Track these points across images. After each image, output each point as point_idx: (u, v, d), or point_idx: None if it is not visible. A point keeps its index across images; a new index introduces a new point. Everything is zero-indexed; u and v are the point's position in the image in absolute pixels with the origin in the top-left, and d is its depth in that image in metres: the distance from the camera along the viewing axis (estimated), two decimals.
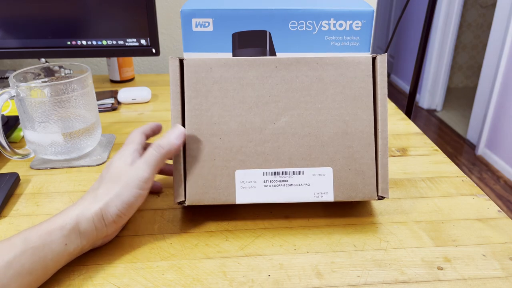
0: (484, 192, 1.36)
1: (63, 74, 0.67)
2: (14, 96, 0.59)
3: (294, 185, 0.50)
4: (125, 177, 0.45)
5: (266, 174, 0.49)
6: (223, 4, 0.53)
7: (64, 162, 0.65)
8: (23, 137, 0.75)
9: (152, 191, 0.58)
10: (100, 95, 0.93)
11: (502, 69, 2.33)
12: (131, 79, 1.08)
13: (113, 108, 0.88)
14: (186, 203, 0.49)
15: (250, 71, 0.50)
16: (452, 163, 0.66)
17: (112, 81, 1.06)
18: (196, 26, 0.52)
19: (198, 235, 0.49)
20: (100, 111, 0.87)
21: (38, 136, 0.62)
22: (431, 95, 3.25)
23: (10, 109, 0.84)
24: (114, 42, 0.86)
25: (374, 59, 0.51)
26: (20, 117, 0.62)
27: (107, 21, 0.84)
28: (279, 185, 0.49)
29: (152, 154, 0.47)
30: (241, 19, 0.52)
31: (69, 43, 0.86)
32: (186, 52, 0.53)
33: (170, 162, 0.59)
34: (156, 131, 0.55)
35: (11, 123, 0.75)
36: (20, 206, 0.55)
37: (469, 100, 3.33)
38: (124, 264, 0.45)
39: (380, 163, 0.50)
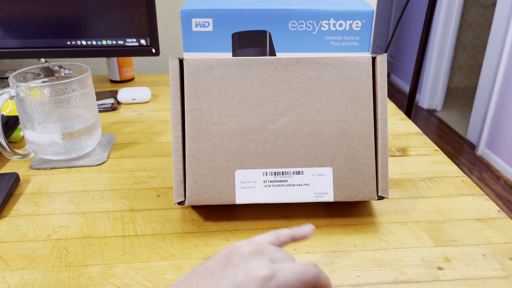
0: (484, 192, 1.36)
1: (63, 74, 0.67)
2: (14, 96, 0.59)
3: (294, 185, 0.50)
4: None
5: (266, 174, 0.49)
6: (223, 4, 0.53)
7: (64, 162, 0.65)
8: (23, 137, 0.75)
9: None
10: (100, 95, 0.93)
11: (502, 69, 2.33)
12: (131, 79, 1.08)
13: (113, 108, 0.88)
14: (186, 203, 0.49)
15: (250, 71, 0.50)
16: (452, 163, 0.66)
17: (112, 81, 1.06)
18: (196, 26, 0.52)
19: (198, 235, 0.49)
20: (100, 111, 0.87)
21: (38, 136, 0.61)
22: (431, 95, 3.25)
23: (10, 109, 0.84)
24: (114, 42, 0.86)
25: (374, 59, 0.51)
26: (20, 117, 0.62)
27: (107, 21, 0.84)
28: (279, 185, 0.49)
29: None
30: (241, 19, 0.52)
31: (69, 43, 0.86)
32: (186, 52, 0.53)
33: (170, 164, 0.58)
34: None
35: (11, 123, 0.75)
36: (20, 206, 0.55)
37: (469, 100, 3.33)
38: (124, 264, 0.45)
39: (380, 163, 0.50)
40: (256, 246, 0.33)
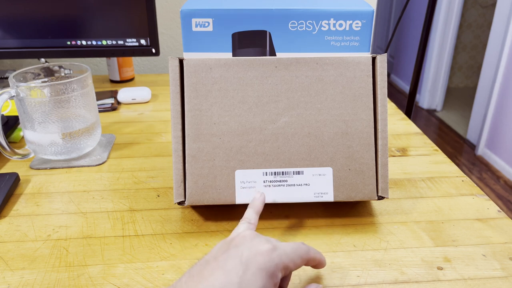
0: (484, 192, 1.36)
1: (63, 74, 0.67)
2: (14, 96, 0.59)
3: (294, 185, 0.50)
4: None
5: (266, 174, 0.49)
6: (223, 4, 0.53)
7: (64, 162, 0.65)
8: (23, 137, 0.75)
9: None
10: (100, 95, 0.93)
11: (502, 69, 2.33)
12: (131, 79, 1.08)
13: (113, 108, 0.88)
14: (186, 203, 0.49)
15: (250, 71, 0.50)
16: (452, 163, 0.66)
17: (112, 81, 1.06)
18: (196, 26, 0.52)
19: (198, 235, 0.49)
20: (100, 111, 0.87)
21: (38, 136, 0.61)
22: (431, 95, 3.25)
23: (10, 109, 0.84)
24: (114, 42, 0.86)
25: (374, 59, 0.51)
26: (20, 117, 0.62)
27: (107, 21, 0.84)
28: (279, 185, 0.49)
29: None
30: (241, 19, 0.52)
31: (69, 43, 0.86)
32: (186, 52, 0.53)
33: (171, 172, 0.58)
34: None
35: (11, 123, 0.75)
36: (20, 206, 0.55)
37: (469, 100, 3.33)
38: (124, 264, 0.45)
39: (380, 163, 0.50)
40: (254, 231, 0.37)
